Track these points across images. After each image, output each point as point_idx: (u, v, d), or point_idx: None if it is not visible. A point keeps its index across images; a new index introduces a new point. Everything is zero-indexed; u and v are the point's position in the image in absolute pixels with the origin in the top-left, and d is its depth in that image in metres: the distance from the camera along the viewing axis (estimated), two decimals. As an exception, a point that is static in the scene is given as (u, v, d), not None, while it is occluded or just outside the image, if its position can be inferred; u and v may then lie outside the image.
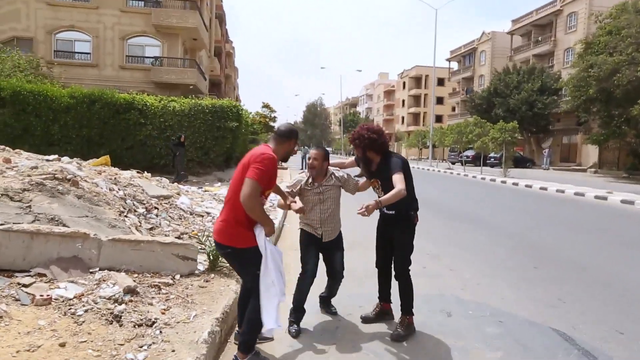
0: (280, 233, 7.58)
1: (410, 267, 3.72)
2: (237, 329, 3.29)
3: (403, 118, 71.13)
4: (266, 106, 60.86)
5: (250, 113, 55.81)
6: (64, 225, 4.19)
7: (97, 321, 2.86)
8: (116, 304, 3.09)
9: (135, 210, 5.60)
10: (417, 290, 3.80)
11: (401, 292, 3.74)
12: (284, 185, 3.78)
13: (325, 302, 4.10)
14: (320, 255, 3.87)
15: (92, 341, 2.64)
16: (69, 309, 2.90)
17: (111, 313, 2.96)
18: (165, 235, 5.30)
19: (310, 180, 3.74)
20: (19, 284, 3.22)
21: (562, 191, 15.11)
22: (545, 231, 8.19)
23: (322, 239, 3.77)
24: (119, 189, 5.81)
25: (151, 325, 2.94)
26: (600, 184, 18.15)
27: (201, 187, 11.38)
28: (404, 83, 70.78)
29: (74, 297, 3.05)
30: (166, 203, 6.36)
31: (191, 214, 6.58)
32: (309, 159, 3.79)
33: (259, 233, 2.88)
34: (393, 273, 3.82)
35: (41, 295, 2.92)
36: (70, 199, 4.72)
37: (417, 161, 45.44)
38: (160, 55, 24.65)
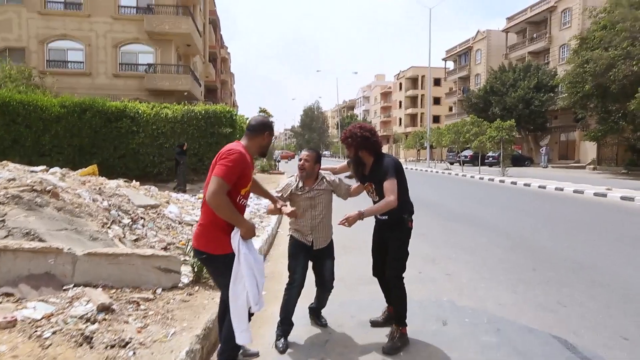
0: (274, 240, 7.41)
1: (404, 275, 3.54)
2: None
3: (400, 119, 71.03)
4: (263, 111, 60.76)
5: (247, 118, 55.73)
6: (40, 239, 4.02)
7: (65, 344, 2.68)
8: (88, 324, 2.91)
9: (120, 221, 5.42)
10: (412, 296, 3.64)
11: (393, 301, 3.57)
12: (273, 190, 3.62)
13: (315, 314, 3.92)
14: (310, 263, 3.72)
15: (57, 367, 2.46)
16: (35, 332, 2.72)
17: (82, 334, 2.78)
18: (151, 246, 5.13)
19: (300, 184, 3.58)
20: (-17, 305, 3.04)
21: (561, 189, 14.95)
22: (544, 230, 8.01)
23: (312, 246, 3.61)
24: (103, 200, 5.64)
25: (124, 346, 2.76)
26: (599, 181, 17.98)
27: (194, 195, 11.20)
28: (401, 84, 70.73)
29: (42, 317, 2.87)
30: (153, 212, 6.18)
31: (180, 223, 6.41)
32: (300, 160, 3.62)
33: (234, 234, 2.67)
34: None
35: (5, 318, 2.74)
36: (49, 211, 4.54)
37: (416, 162, 45.29)
38: (153, 62, 24.50)
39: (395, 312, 3.52)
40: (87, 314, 2.97)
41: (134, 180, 8.14)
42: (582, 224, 8.86)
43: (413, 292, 3.65)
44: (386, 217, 3.48)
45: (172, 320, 3.30)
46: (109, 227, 5.01)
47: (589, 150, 32.01)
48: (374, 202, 3.52)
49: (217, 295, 3.95)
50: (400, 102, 70.82)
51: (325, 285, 3.73)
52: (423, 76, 63.13)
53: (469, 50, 51.01)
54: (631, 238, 7.36)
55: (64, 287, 3.38)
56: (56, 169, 9.31)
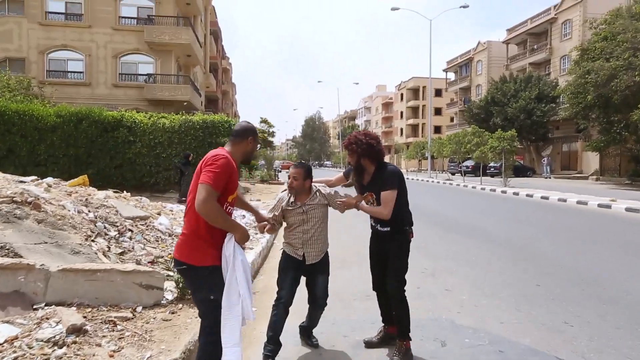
0: (269, 252, 7.19)
1: (405, 288, 3.37)
2: None
3: (402, 130, 70.99)
4: (264, 121, 60.77)
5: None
6: (16, 253, 3.81)
7: (27, 370, 2.46)
8: (55, 348, 2.68)
9: (105, 234, 5.21)
10: (410, 314, 3.40)
11: (396, 315, 3.39)
12: (264, 211, 3.44)
13: (306, 333, 3.69)
14: (304, 279, 3.51)
15: (13, 398, 2.24)
16: (-6, 357, 2.50)
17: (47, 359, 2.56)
18: (137, 260, 4.92)
19: (292, 199, 3.40)
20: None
21: (564, 200, 14.70)
22: (547, 243, 7.76)
23: (304, 260, 3.40)
24: (89, 211, 5.43)
25: (93, 373, 2.54)
26: (603, 192, 17.72)
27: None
28: (402, 95, 70.83)
29: (5, 341, 2.65)
30: (142, 224, 5.97)
31: (170, 235, 6.19)
32: (289, 177, 3.42)
33: (228, 240, 2.53)
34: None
35: (-39, 342, 2.53)
36: (29, 223, 4.34)
37: (417, 172, 45.08)
38: (153, 72, 24.48)
39: (399, 326, 3.36)
40: (55, 336, 2.74)
41: (124, 191, 7.94)
42: (587, 236, 8.61)
43: (411, 309, 3.42)
44: (388, 228, 3.35)
45: (149, 342, 3.07)
46: (93, 240, 4.80)
47: (591, 160, 31.75)
48: None
49: (201, 313, 3.73)
50: (402, 113, 70.83)
51: (317, 303, 3.51)
52: (424, 87, 63.18)
53: (470, 61, 51.07)
54: (639, 251, 7.11)
55: (35, 307, 3.16)
56: (49, 179, 9.12)
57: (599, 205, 13.07)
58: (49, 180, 8.59)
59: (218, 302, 2.59)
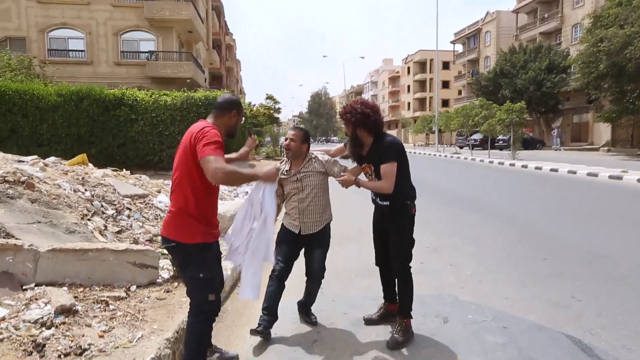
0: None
1: (410, 264, 3.25)
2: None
3: (409, 104, 70.02)
4: (270, 97, 60.20)
5: (254, 105, 55.33)
6: (8, 234, 3.74)
7: (12, 353, 2.39)
8: (43, 329, 2.62)
9: (103, 213, 5.13)
10: (414, 290, 3.29)
11: (399, 292, 3.29)
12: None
13: (304, 310, 3.61)
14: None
15: (-5, 382, 2.17)
16: (-22, 340, 2.44)
17: (33, 341, 2.49)
18: (135, 238, 4.85)
19: (287, 167, 3.31)
20: None
21: (574, 172, 14.40)
22: (555, 217, 7.59)
23: (300, 232, 3.30)
24: (85, 190, 5.34)
25: (81, 354, 2.47)
26: (614, 163, 17.33)
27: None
28: (409, 68, 69.56)
29: (-8, 322, 2.58)
30: (141, 203, 5.88)
31: (170, 213, 6.11)
32: (286, 139, 3.30)
33: (256, 185, 2.76)
34: None
35: (-56, 324, 2.46)
36: (22, 203, 4.26)
37: (424, 147, 44.62)
38: (155, 50, 24.12)
39: (401, 304, 3.27)
40: (43, 317, 2.68)
41: (124, 170, 7.84)
42: (596, 209, 8.41)
43: (414, 285, 3.31)
44: (387, 202, 3.19)
45: (141, 322, 2.99)
46: (89, 219, 4.72)
47: (602, 131, 31.09)
48: None
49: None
50: (409, 87, 69.71)
51: (313, 276, 3.44)
52: (431, 60, 61.87)
53: (478, 32, 49.76)
54: (649, 223, 6.92)
55: (24, 287, 3.09)
56: (52, 158, 9.07)
57: (610, 177, 12.79)
58: (51, 159, 8.52)
59: (206, 280, 2.50)
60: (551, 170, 15.57)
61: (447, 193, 10.72)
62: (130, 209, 5.57)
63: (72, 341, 2.56)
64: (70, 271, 3.32)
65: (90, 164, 8.24)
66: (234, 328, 3.50)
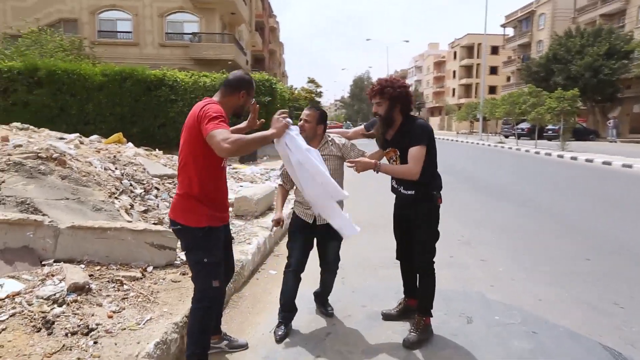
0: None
1: (434, 259, 3.04)
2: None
3: (454, 90, 67.72)
4: (312, 81, 60.21)
5: (296, 89, 55.31)
6: (36, 208, 3.83)
7: (22, 328, 2.41)
8: (55, 306, 2.63)
9: (131, 192, 5.20)
10: (438, 284, 3.10)
11: (420, 288, 3.09)
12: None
13: (320, 300, 3.49)
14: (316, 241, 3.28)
15: (0, 356, 2.19)
16: (-9, 313, 2.48)
17: (44, 318, 2.51)
18: (160, 218, 4.89)
19: None
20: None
21: (629, 166, 13.38)
22: (604, 214, 7.04)
23: (315, 221, 3.14)
24: (115, 168, 5.44)
25: (87, 334, 2.46)
26: (676, 158, 16.01)
27: (230, 165, 11.02)
28: (455, 53, 67.05)
29: (7, 296, 2.63)
30: (169, 183, 5.94)
31: (198, 194, 6.14)
32: (300, 119, 3.13)
33: (276, 146, 2.60)
34: None
35: (-41, 296, 2.52)
36: (52, 179, 4.36)
37: (468, 135, 43.13)
38: (198, 31, 24.44)
39: (420, 301, 3.07)
40: (55, 294, 2.70)
41: (156, 149, 7.97)
42: (651, 206, 7.75)
43: (439, 280, 3.11)
44: (412, 191, 2.96)
45: (152, 304, 2.98)
46: (116, 198, 4.79)
47: (665, 123, 28.83)
48: None
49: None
50: (454, 72, 67.31)
51: (328, 268, 3.31)
52: (479, 44, 59.27)
53: (532, 15, 47.03)
54: None
55: (43, 263, 3.14)
56: (94, 136, 9.40)
57: (670, 173, 11.81)
58: (92, 138, 8.82)
59: (211, 265, 2.44)
60: (603, 163, 14.58)
61: (486, 183, 10.24)
62: (158, 189, 5.63)
63: (80, 320, 2.57)
64: (89, 249, 3.35)
65: (129, 143, 8.47)
66: (248, 315, 3.44)
